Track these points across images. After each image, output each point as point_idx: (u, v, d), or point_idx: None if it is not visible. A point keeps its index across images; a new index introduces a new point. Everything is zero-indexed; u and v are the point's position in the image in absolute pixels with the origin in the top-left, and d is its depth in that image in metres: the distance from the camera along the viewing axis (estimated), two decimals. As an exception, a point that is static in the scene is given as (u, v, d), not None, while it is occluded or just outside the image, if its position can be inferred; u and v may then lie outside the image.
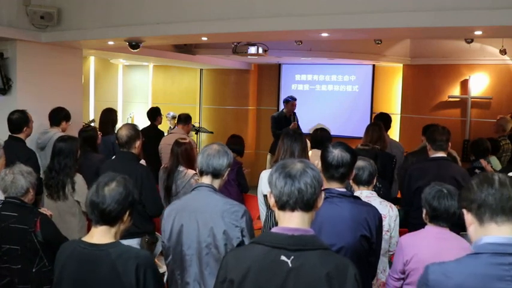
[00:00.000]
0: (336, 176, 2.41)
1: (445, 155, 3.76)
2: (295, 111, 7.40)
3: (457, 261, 1.59)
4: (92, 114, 8.51)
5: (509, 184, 1.55)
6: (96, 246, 1.97)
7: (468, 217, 1.61)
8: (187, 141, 4.54)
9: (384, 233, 2.77)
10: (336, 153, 2.39)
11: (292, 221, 1.69)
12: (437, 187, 2.61)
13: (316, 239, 1.70)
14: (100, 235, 1.99)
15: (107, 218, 1.97)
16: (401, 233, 3.21)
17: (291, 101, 7.35)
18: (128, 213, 2.03)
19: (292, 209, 1.69)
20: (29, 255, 2.88)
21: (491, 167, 4.56)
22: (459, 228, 3.54)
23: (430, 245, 2.52)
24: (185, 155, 4.38)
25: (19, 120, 4.44)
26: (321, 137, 4.42)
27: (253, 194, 4.62)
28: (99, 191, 1.97)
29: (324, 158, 2.44)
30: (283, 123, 7.12)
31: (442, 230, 2.57)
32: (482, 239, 1.54)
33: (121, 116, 9.39)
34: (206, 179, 2.50)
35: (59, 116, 4.98)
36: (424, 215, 2.65)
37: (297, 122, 7.35)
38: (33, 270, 2.89)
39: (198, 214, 2.41)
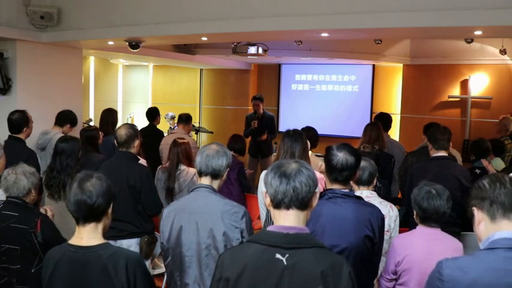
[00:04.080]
0: (340, 179, 2.41)
1: (446, 154, 3.77)
2: (261, 111, 7.25)
3: (472, 256, 1.61)
4: (92, 114, 8.52)
5: None
6: (86, 248, 1.95)
7: (479, 215, 1.63)
8: (185, 141, 4.58)
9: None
10: (341, 157, 2.39)
11: (287, 220, 1.70)
12: (426, 188, 2.61)
13: (311, 237, 1.71)
14: (88, 235, 1.97)
15: (95, 213, 1.96)
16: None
17: (252, 101, 7.32)
18: (110, 206, 2.03)
19: (288, 208, 1.70)
20: (29, 256, 2.87)
21: (493, 167, 4.55)
22: (459, 228, 3.57)
23: (422, 245, 2.53)
24: (185, 154, 4.44)
25: (19, 121, 4.42)
26: (309, 137, 4.34)
27: (255, 194, 4.62)
28: (83, 187, 1.94)
29: (328, 161, 2.43)
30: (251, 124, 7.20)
31: (433, 230, 2.57)
32: (496, 234, 1.57)
33: (121, 116, 9.39)
34: (205, 180, 2.48)
35: (66, 117, 4.97)
36: (414, 216, 2.66)
37: (264, 121, 7.21)
38: (32, 270, 2.88)
39: (198, 215, 2.40)
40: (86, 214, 1.96)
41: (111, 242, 2.08)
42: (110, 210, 2.03)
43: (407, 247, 2.56)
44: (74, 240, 1.99)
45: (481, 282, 1.53)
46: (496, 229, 1.58)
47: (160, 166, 4.72)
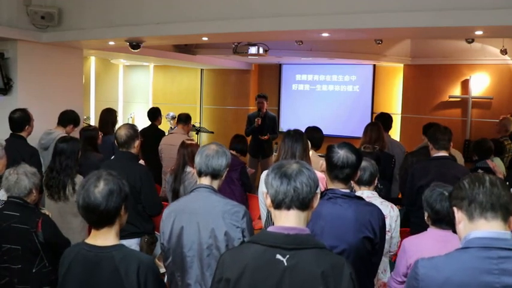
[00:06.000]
0: (341, 177, 2.40)
1: (447, 154, 3.76)
2: (265, 110, 7.28)
3: (446, 255, 1.62)
4: (93, 114, 8.52)
5: (500, 184, 1.61)
6: (100, 248, 1.96)
7: (458, 215, 1.65)
8: (193, 142, 4.55)
9: (384, 233, 2.76)
10: (342, 154, 2.38)
11: (288, 220, 1.70)
12: (438, 189, 2.58)
13: (311, 238, 1.71)
14: (103, 237, 1.98)
15: (105, 219, 1.95)
16: (402, 233, 3.21)
17: (257, 99, 7.33)
18: (123, 207, 2.00)
19: (288, 208, 1.70)
20: (30, 256, 2.87)
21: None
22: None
23: (434, 247, 2.47)
24: (192, 156, 4.38)
25: (21, 119, 4.43)
26: (313, 137, 4.32)
27: (255, 194, 4.62)
28: (90, 194, 1.91)
29: (329, 159, 2.42)
30: (253, 122, 7.22)
31: (445, 232, 2.54)
32: (471, 234, 1.58)
33: (121, 116, 9.40)
34: (205, 180, 2.48)
35: (68, 117, 4.96)
36: (426, 218, 2.63)
37: (267, 120, 7.24)
38: (33, 270, 2.88)
39: (198, 216, 2.40)
40: (95, 221, 1.96)
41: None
42: (122, 211, 2.00)
43: (419, 249, 2.52)
44: (90, 239, 2.00)
45: (453, 281, 1.55)
46: (473, 229, 1.59)
47: (169, 168, 4.68)
